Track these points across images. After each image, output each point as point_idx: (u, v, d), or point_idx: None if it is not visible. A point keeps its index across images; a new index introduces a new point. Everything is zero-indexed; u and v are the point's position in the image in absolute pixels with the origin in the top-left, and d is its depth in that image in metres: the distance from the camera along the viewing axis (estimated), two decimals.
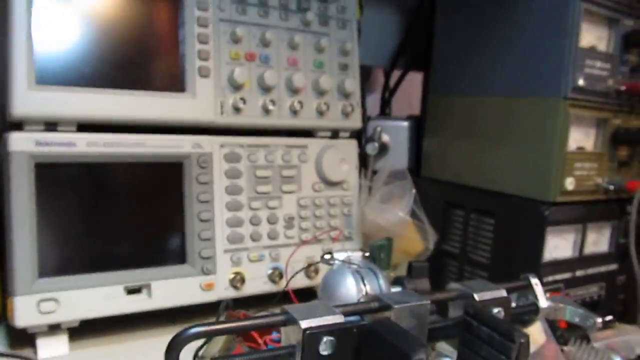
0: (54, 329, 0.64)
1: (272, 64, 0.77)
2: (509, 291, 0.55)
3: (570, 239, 0.74)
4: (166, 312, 0.70)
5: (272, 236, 0.78)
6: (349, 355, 0.45)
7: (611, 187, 0.73)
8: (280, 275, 0.77)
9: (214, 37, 0.73)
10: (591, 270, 0.76)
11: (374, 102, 1.10)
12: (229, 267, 0.74)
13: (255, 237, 0.76)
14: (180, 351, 0.40)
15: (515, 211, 0.73)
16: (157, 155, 0.70)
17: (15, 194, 0.61)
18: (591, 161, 0.73)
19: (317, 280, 0.80)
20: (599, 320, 0.58)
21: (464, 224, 0.81)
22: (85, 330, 0.66)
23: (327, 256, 0.59)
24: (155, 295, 0.69)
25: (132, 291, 0.68)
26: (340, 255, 0.59)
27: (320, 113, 0.81)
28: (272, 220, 0.78)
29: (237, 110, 0.74)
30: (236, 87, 0.74)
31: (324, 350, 0.43)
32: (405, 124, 0.94)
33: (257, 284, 0.76)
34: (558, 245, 0.72)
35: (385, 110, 1.03)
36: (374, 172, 0.87)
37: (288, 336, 0.46)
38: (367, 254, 0.61)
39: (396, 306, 0.48)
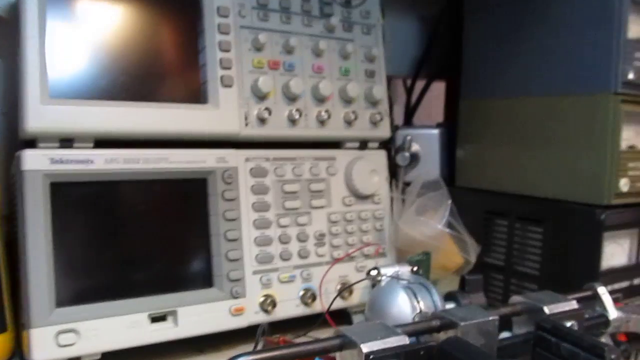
0: None
1: (296, 72, 0.73)
2: (577, 302, 0.50)
3: (626, 245, 0.69)
4: (192, 340, 0.65)
5: (302, 255, 0.73)
6: None
7: None
8: (313, 297, 0.72)
9: (235, 44, 0.69)
10: None
11: (395, 113, 1.06)
12: (259, 289, 0.69)
13: (285, 257, 0.71)
14: None
15: (566, 217, 0.68)
16: (179, 172, 0.65)
17: (30, 216, 0.57)
18: None
19: (352, 301, 0.75)
20: None
21: (508, 234, 0.76)
22: None
23: (374, 272, 0.54)
24: (181, 322, 0.63)
25: (156, 319, 0.63)
26: (388, 271, 0.54)
27: (349, 123, 0.77)
28: (302, 238, 0.73)
29: (262, 121, 0.70)
30: (260, 96, 0.70)
31: None
32: (436, 132, 0.89)
33: (289, 306, 0.71)
34: (614, 252, 0.67)
35: (410, 120, 0.99)
36: (405, 184, 0.83)
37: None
38: (415, 268, 0.56)
39: (462, 323, 0.43)
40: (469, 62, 0.84)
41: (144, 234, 0.64)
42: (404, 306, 0.51)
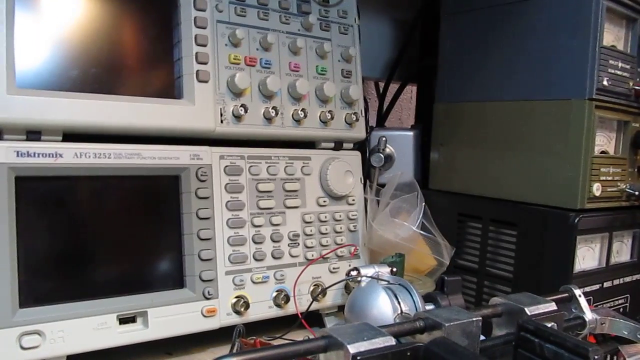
0: None
1: (273, 69, 0.72)
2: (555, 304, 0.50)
3: (597, 248, 0.70)
4: (161, 342, 0.63)
5: (276, 255, 0.71)
6: None
7: (636, 193, 0.70)
8: (287, 298, 0.71)
9: (211, 39, 0.67)
10: (617, 281, 0.72)
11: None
12: (232, 290, 0.67)
13: (258, 257, 0.70)
14: None
15: (540, 221, 0.69)
16: (151, 168, 0.63)
17: None
18: (615, 166, 0.69)
19: (325, 303, 0.74)
20: None
21: (481, 237, 0.76)
22: None
23: (354, 272, 0.53)
24: (152, 324, 0.61)
25: (125, 320, 0.60)
26: (367, 271, 0.54)
27: (324, 122, 0.76)
28: (276, 238, 0.71)
29: (237, 118, 0.69)
30: (237, 93, 0.69)
31: None
32: (411, 134, 0.89)
33: (261, 308, 0.69)
34: (586, 255, 0.68)
35: (382, 123, 0.99)
36: (380, 185, 0.82)
37: None
38: (395, 269, 0.56)
39: (447, 324, 0.43)
40: (444, 65, 0.84)
41: (113, 232, 0.61)
42: (385, 307, 0.50)
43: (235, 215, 0.69)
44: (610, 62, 0.66)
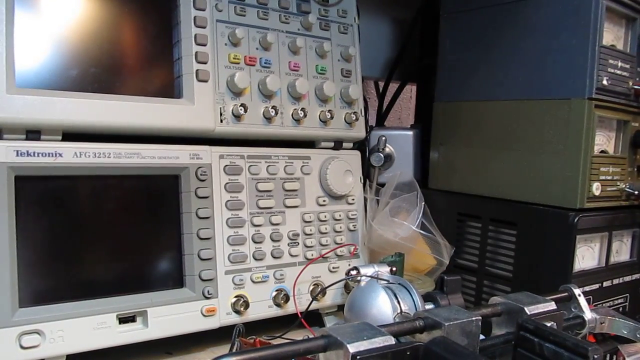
0: None
1: (273, 69, 0.72)
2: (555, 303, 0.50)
3: (596, 248, 0.70)
4: (159, 342, 0.63)
5: (276, 255, 0.71)
6: None
7: (636, 192, 0.70)
8: (286, 298, 0.71)
9: (211, 38, 0.67)
10: (616, 280, 0.72)
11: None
12: (232, 289, 0.67)
13: (258, 257, 0.70)
14: None
15: (539, 220, 0.69)
16: (151, 167, 0.63)
17: None
18: (614, 165, 0.69)
19: (324, 303, 0.74)
20: None
21: (481, 236, 0.76)
22: None
23: (354, 272, 0.53)
24: (151, 323, 0.61)
25: (125, 320, 0.60)
26: (367, 271, 0.54)
27: (324, 122, 0.76)
28: (275, 238, 0.71)
29: (237, 117, 0.68)
30: (236, 92, 0.69)
31: None
32: (410, 133, 0.89)
33: (261, 307, 0.69)
34: (585, 254, 0.68)
35: (382, 122, 0.99)
36: (379, 185, 0.82)
37: None
38: (394, 269, 0.56)
39: (447, 324, 0.43)
40: (443, 65, 0.84)
41: (113, 232, 0.61)
42: (385, 306, 0.50)
43: (235, 214, 0.69)
44: (610, 61, 0.66)
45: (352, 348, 0.38)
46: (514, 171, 0.73)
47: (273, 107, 0.71)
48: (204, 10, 0.67)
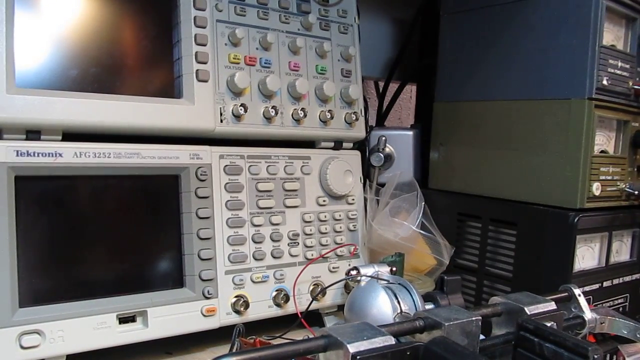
0: None
1: (273, 69, 0.72)
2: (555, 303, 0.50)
3: (596, 248, 0.70)
4: (159, 342, 0.63)
5: (276, 255, 0.71)
6: None
7: (636, 192, 0.70)
8: (286, 298, 0.71)
9: (211, 38, 0.67)
10: (616, 280, 0.72)
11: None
12: (232, 289, 0.67)
13: (258, 257, 0.70)
14: None
15: (539, 220, 0.69)
16: (151, 167, 0.63)
17: None
18: (614, 165, 0.69)
19: (324, 303, 0.74)
20: None
21: (481, 236, 0.76)
22: None
23: (354, 272, 0.53)
24: (151, 323, 0.61)
25: (125, 320, 0.60)
26: (367, 271, 0.54)
27: (324, 122, 0.76)
28: (275, 238, 0.71)
29: (237, 117, 0.68)
30: (236, 92, 0.68)
31: None
32: (410, 133, 0.89)
33: (261, 307, 0.69)
34: (585, 254, 0.68)
35: (382, 122, 0.99)
36: (379, 185, 0.82)
37: None
38: (394, 269, 0.56)
39: (447, 324, 0.43)
40: (444, 65, 0.84)
41: (113, 232, 0.61)
42: (385, 306, 0.50)
43: (235, 214, 0.69)
44: (610, 61, 0.66)
45: (352, 348, 0.38)
46: (514, 171, 0.73)
47: (273, 107, 0.71)
48: (204, 10, 0.67)
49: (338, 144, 0.79)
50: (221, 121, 0.67)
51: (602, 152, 0.69)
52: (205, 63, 0.66)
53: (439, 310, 0.46)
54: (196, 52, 0.66)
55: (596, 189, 0.66)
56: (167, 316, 0.62)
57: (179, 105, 0.65)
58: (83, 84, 0.60)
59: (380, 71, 1.05)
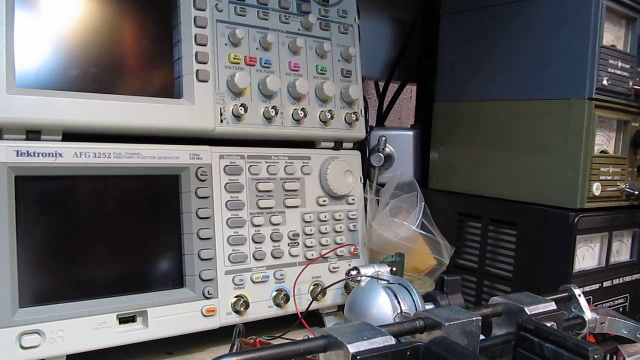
0: None
1: (273, 69, 0.72)
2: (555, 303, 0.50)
3: (596, 248, 0.70)
4: (159, 342, 0.63)
5: (276, 255, 0.71)
6: None
7: (636, 192, 0.70)
8: (286, 298, 0.71)
9: (211, 39, 0.67)
10: (617, 281, 0.72)
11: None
12: (232, 289, 0.67)
13: (258, 257, 0.70)
14: None
15: (539, 220, 0.69)
16: (151, 167, 0.63)
17: None
18: (614, 165, 0.69)
19: (325, 303, 0.74)
20: None
21: (481, 236, 0.76)
22: None
23: (354, 272, 0.53)
24: (151, 323, 0.61)
25: (125, 320, 0.60)
26: (367, 271, 0.54)
27: (324, 122, 0.76)
28: (275, 238, 0.71)
29: (237, 117, 0.68)
30: (236, 92, 0.69)
31: None
32: (411, 133, 0.89)
33: (261, 307, 0.69)
34: (585, 254, 0.68)
35: (382, 122, 0.99)
36: (379, 185, 0.82)
37: None
38: (394, 269, 0.56)
39: (447, 324, 0.43)
40: (443, 65, 0.84)
41: (113, 232, 0.61)
42: (385, 306, 0.50)
43: (235, 214, 0.69)
44: (610, 61, 0.66)
45: (352, 348, 0.38)
46: (514, 171, 0.73)
47: (273, 107, 0.71)
48: (204, 10, 0.67)
49: (338, 144, 0.79)
50: (221, 121, 0.67)
51: (602, 152, 0.69)
52: (205, 63, 0.66)
53: (439, 310, 0.46)
54: (196, 52, 0.66)
55: (596, 189, 0.66)
56: (167, 316, 0.62)
57: (179, 105, 0.65)
58: (83, 84, 0.60)
59: (380, 71, 1.05)
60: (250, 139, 0.71)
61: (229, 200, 0.68)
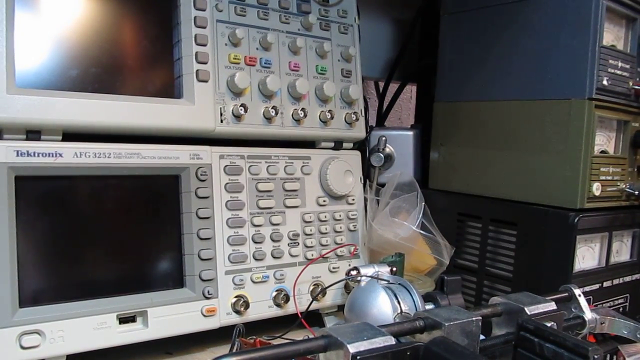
0: None
1: (273, 69, 0.72)
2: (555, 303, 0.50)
3: (596, 248, 0.70)
4: (159, 342, 0.63)
5: (276, 255, 0.71)
6: None
7: (636, 192, 0.70)
8: (287, 298, 0.71)
9: (211, 39, 0.67)
10: (617, 281, 0.72)
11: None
12: (232, 289, 0.67)
13: (258, 257, 0.70)
14: None
15: (539, 220, 0.69)
16: (151, 167, 0.63)
17: None
18: (615, 165, 0.69)
19: (325, 303, 0.74)
20: None
21: (481, 236, 0.76)
22: None
23: (354, 272, 0.53)
24: (151, 323, 0.61)
25: (125, 320, 0.60)
26: (367, 271, 0.54)
27: (324, 122, 0.76)
28: (275, 238, 0.71)
29: (237, 117, 0.68)
30: (236, 92, 0.69)
31: None
32: (411, 133, 0.89)
33: (261, 307, 0.69)
34: (585, 255, 0.68)
35: (382, 122, 0.99)
36: (379, 185, 0.82)
37: None
38: (395, 269, 0.56)
39: (447, 324, 0.43)
40: (443, 65, 0.84)
41: (113, 232, 0.61)
42: (385, 307, 0.50)
43: (235, 214, 0.69)
44: (610, 61, 0.66)
45: (352, 348, 0.38)
46: (515, 171, 0.73)
47: (273, 107, 0.71)
48: (204, 10, 0.67)
49: (338, 144, 0.79)
50: (221, 121, 0.67)
51: (602, 152, 0.69)
52: (205, 63, 0.66)
53: (439, 310, 0.46)
54: (196, 52, 0.66)
55: (596, 189, 0.66)
56: (167, 316, 0.62)
57: (179, 106, 0.65)
58: (83, 84, 0.60)
59: (381, 71, 1.05)
60: (250, 139, 0.71)
61: (229, 201, 0.68)
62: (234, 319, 0.67)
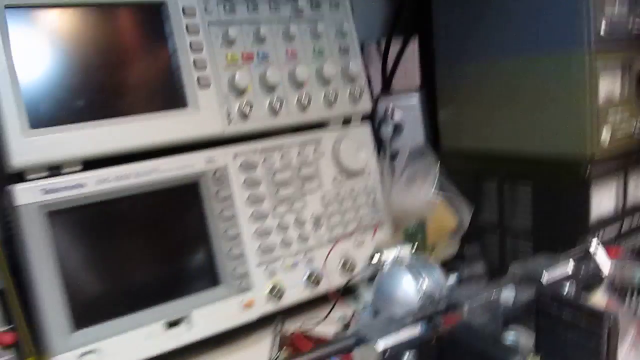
0: None
1: (271, 61, 0.73)
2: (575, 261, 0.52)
3: (612, 191, 0.71)
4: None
5: (302, 240, 0.74)
6: None
7: None
8: (318, 279, 0.74)
9: (206, 43, 0.68)
10: (636, 220, 0.73)
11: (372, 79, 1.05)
12: (266, 279, 0.71)
13: (285, 244, 0.73)
14: None
15: (554, 172, 0.69)
16: (171, 180, 0.65)
17: (31, 248, 0.57)
18: (622, 108, 0.69)
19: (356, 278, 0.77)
20: None
21: (498, 194, 0.77)
22: None
23: (376, 257, 0.56)
24: (196, 324, 0.65)
25: (172, 325, 0.64)
26: (390, 254, 0.56)
27: (329, 103, 0.77)
28: (299, 224, 0.74)
29: (244, 116, 0.70)
30: (240, 91, 0.70)
31: None
32: (416, 97, 0.89)
33: (296, 292, 0.73)
34: (602, 200, 0.69)
35: (388, 86, 0.98)
36: (392, 154, 0.84)
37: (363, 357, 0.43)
38: (416, 245, 0.58)
39: (468, 302, 0.45)
40: (439, 26, 0.83)
41: (146, 246, 0.65)
42: (409, 289, 0.52)
43: (257, 208, 0.71)
44: (608, 9, 0.65)
45: (382, 344, 0.41)
46: (524, 126, 0.72)
47: (277, 98, 0.72)
48: (194, 16, 0.67)
49: (346, 121, 0.80)
50: (229, 123, 0.69)
51: (608, 97, 0.69)
52: (204, 69, 0.67)
53: (460, 289, 0.49)
54: (194, 60, 0.67)
55: (606, 135, 0.66)
56: (209, 315, 0.66)
57: (186, 115, 0.66)
58: (92, 112, 0.61)
59: (380, 32, 1.04)
60: (259, 134, 0.73)
61: (249, 196, 0.71)
62: (272, 306, 0.70)
